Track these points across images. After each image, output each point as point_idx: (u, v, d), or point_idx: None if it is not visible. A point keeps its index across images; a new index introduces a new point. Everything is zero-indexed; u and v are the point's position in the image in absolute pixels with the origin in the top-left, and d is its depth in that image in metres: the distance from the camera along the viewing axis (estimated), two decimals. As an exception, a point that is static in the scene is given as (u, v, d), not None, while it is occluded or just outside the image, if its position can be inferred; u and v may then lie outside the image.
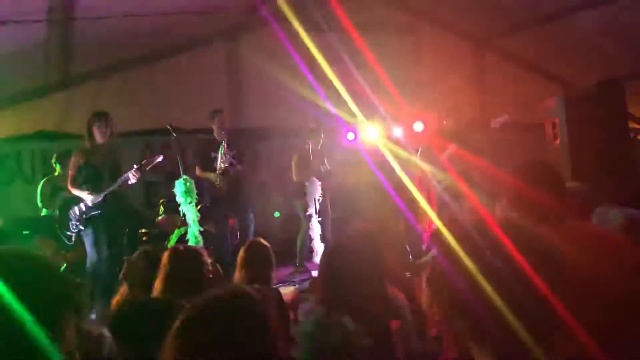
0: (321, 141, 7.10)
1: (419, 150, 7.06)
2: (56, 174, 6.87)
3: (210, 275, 2.78)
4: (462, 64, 9.59)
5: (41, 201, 6.74)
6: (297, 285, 6.13)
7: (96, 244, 5.25)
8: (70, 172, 5.43)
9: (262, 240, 3.71)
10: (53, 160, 6.92)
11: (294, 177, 6.99)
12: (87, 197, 5.29)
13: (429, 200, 6.50)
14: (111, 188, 5.30)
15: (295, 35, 7.85)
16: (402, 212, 6.18)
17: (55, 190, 6.67)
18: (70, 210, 5.37)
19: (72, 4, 5.33)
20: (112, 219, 5.38)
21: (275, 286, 3.87)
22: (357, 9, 8.65)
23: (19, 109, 7.43)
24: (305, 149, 6.96)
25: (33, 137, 7.63)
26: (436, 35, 9.52)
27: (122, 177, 5.33)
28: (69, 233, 5.43)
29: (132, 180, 5.33)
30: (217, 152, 6.39)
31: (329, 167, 7.11)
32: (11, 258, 1.25)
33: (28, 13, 5.16)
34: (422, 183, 6.49)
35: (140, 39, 7.16)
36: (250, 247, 3.54)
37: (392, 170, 6.59)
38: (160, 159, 5.67)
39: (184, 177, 6.07)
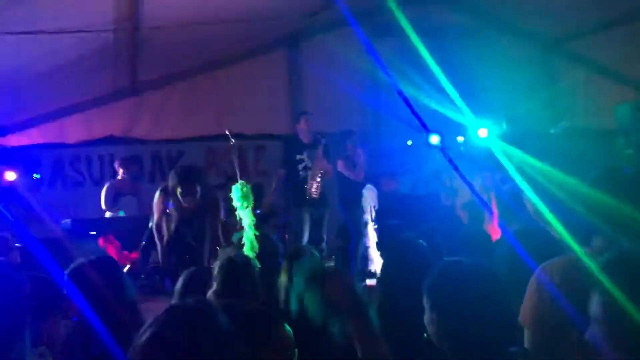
0: (359, 146, 6.93)
1: (485, 157, 6.88)
2: (119, 177, 7.15)
3: None
4: (528, 69, 9.25)
5: (105, 204, 7.03)
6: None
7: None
8: (156, 214, 5.20)
9: (309, 249, 3.68)
10: (116, 165, 7.21)
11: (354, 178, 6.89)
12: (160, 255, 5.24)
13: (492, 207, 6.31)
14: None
15: (356, 41, 7.84)
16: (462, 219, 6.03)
17: (118, 194, 6.95)
18: (151, 252, 5.38)
19: (137, 14, 5.52)
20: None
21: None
22: (419, 13, 8.53)
23: (90, 114, 7.79)
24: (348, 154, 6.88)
25: (102, 142, 7.98)
26: (501, 39, 9.25)
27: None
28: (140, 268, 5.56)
29: None
30: (302, 154, 6.47)
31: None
32: None
33: (96, 24, 5.40)
34: (481, 189, 6.31)
35: (203, 47, 7.35)
36: (293, 255, 3.50)
37: (454, 176, 6.45)
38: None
39: (241, 182, 6.15)
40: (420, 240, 3.48)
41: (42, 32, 5.07)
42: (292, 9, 7.47)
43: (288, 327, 1.56)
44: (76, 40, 5.63)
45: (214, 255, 4.78)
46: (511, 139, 6.81)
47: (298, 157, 6.50)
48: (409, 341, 2.32)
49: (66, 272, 2.69)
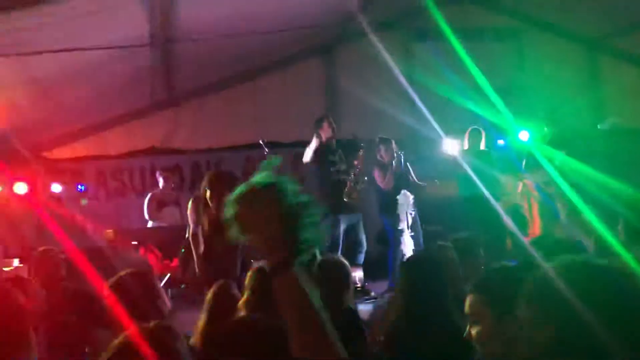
0: (395, 153, 6.81)
1: (524, 161, 6.71)
2: (160, 187, 7.28)
3: None
4: (572, 69, 8.98)
5: (147, 213, 7.16)
6: (375, 300, 6.04)
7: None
8: (192, 224, 5.09)
9: (340, 259, 3.63)
10: (157, 175, 7.35)
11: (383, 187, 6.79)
12: (196, 265, 5.10)
13: (531, 212, 6.13)
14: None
15: (393, 45, 7.79)
16: (507, 225, 5.88)
17: (160, 204, 7.07)
18: (190, 262, 5.40)
19: (172, 27, 5.62)
20: None
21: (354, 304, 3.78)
22: (457, 15, 8.40)
23: (130, 127, 7.98)
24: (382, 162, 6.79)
25: (143, 153, 8.16)
26: (542, 39, 9.01)
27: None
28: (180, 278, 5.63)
29: None
30: (334, 156, 6.45)
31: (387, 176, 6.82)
32: None
33: (132, 38, 5.52)
34: (522, 194, 6.14)
35: (238, 57, 7.42)
36: (324, 265, 3.45)
37: (494, 181, 6.31)
38: None
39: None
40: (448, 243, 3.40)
41: (81, 49, 5.21)
42: (327, 16, 7.47)
43: None
44: (114, 55, 5.76)
45: (246, 265, 4.77)
46: (554, 141, 6.62)
47: (331, 158, 6.43)
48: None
49: (108, 284, 2.73)
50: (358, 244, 6.61)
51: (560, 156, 6.23)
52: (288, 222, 1.21)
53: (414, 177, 6.91)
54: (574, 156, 6.19)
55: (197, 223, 5.03)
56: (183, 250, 5.90)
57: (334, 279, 3.31)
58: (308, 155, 6.53)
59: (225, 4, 5.74)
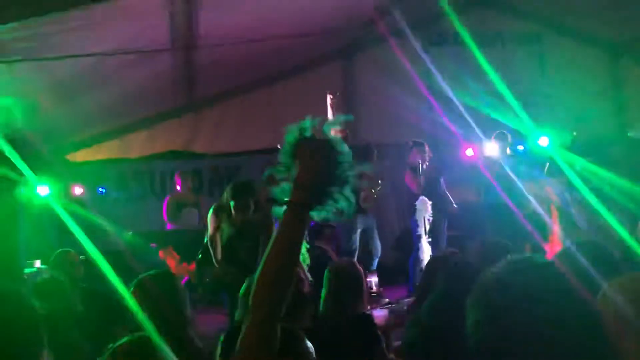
0: (427, 156, 6.82)
1: (546, 166, 6.64)
2: (178, 189, 7.35)
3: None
4: (593, 74, 8.88)
5: (166, 216, 7.23)
6: (391, 307, 6.03)
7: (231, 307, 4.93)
8: (211, 228, 5.17)
9: (354, 264, 3.63)
10: (175, 177, 7.42)
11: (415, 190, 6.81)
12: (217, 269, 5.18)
13: (551, 219, 6.07)
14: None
15: (411, 50, 7.78)
16: (527, 232, 5.83)
17: (179, 206, 7.13)
18: (207, 266, 5.47)
19: (194, 33, 5.69)
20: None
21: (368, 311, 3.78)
22: (477, 20, 8.38)
23: (152, 130, 8.08)
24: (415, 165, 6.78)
25: (163, 157, 8.25)
26: (564, 44, 8.93)
27: None
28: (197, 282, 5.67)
29: None
30: None
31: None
32: None
33: (154, 43, 5.61)
34: (542, 200, 6.08)
35: (258, 62, 7.48)
36: (338, 269, 3.46)
37: (515, 187, 6.26)
38: None
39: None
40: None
41: (104, 54, 5.30)
42: (347, 21, 7.49)
43: (309, 344, 1.56)
44: (137, 60, 5.85)
45: None
46: (576, 147, 6.54)
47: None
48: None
49: (129, 286, 2.76)
50: (372, 249, 6.63)
51: (581, 162, 6.16)
52: (329, 177, 1.41)
53: (444, 187, 6.91)
54: (599, 163, 6.11)
55: (217, 228, 5.10)
56: (200, 255, 5.94)
57: (346, 283, 3.32)
58: None
59: (246, 10, 5.80)
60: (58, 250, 5.02)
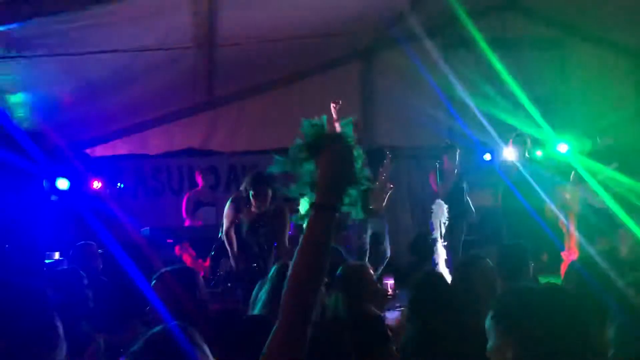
0: (457, 160, 6.85)
1: (572, 174, 6.59)
2: (199, 187, 7.41)
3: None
4: (615, 80, 8.79)
5: (185, 212, 7.30)
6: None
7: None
8: (226, 222, 5.27)
9: (364, 266, 3.63)
10: (196, 175, 7.49)
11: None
12: (232, 263, 5.24)
13: (568, 226, 6.02)
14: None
15: (429, 54, 7.77)
16: (545, 238, 5.80)
17: (198, 203, 7.20)
18: (221, 260, 5.51)
19: (214, 31, 5.73)
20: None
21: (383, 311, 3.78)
22: (496, 24, 8.35)
23: (170, 127, 8.14)
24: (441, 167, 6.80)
25: (181, 153, 8.31)
26: (584, 49, 8.86)
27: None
28: (211, 277, 5.74)
29: None
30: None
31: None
32: None
33: (174, 41, 5.66)
34: (561, 207, 6.04)
35: (277, 62, 7.51)
36: (348, 271, 3.45)
37: (533, 192, 6.22)
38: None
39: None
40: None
41: (126, 50, 5.36)
42: (366, 23, 7.50)
43: None
44: (158, 57, 5.91)
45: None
46: (598, 154, 6.48)
47: None
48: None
49: (150, 280, 2.80)
50: (381, 252, 6.63)
51: (602, 169, 6.09)
52: (349, 181, 1.46)
53: (467, 197, 6.92)
54: (623, 170, 6.02)
55: (232, 222, 5.15)
56: (213, 252, 5.99)
57: (356, 284, 3.32)
58: None
59: (267, 9, 5.83)
60: (79, 243, 5.09)
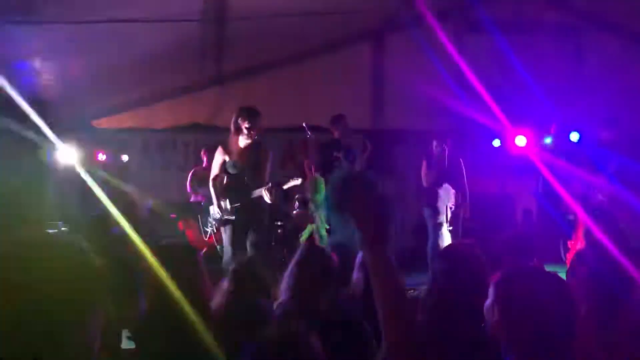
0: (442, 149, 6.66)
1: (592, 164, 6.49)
2: (204, 165, 7.37)
3: None
4: (633, 69, 8.63)
5: (189, 188, 7.27)
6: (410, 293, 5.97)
7: (232, 242, 5.19)
8: (213, 169, 5.40)
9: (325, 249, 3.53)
10: (202, 153, 7.44)
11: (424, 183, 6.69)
12: (223, 205, 5.28)
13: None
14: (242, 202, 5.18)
15: (442, 37, 7.62)
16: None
17: (202, 180, 7.15)
18: (210, 207, 5.53)
19: (224, 5, 5.63)
20: (247, 222, 5.23)
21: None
22: (512, 9, 8.18)
23: (177, 102, 8.06)
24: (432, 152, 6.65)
25: (187, 129, 8.24)
26: (601, 37, 8.69)
27: (255, 192, 5.14)
28: (207, 229, 5.78)
29: (267, 199, 5.06)
30: (339, 152, 6.49)
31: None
32: None
33: (184, 13, 5.56)
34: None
35: (287, 39, 7.39)
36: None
37: (541, 179, 6.15)
38: (298, 182, 5.52)
39: (316, 175, 6.17)
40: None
41: (134, 20, 5.27)
42: (378, 2, 7.37)
43: None
44: (165, 29, 5.82)
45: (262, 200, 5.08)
46: (612, 144, 6.38)
47: (335, 154, 6.47)
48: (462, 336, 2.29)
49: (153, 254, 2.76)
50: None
51: (616, 159, 6.00)
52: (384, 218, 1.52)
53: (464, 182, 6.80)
54: (636, 160, 5.92)
55: (221, 168, 5.32)
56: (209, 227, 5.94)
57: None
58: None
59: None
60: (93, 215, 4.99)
